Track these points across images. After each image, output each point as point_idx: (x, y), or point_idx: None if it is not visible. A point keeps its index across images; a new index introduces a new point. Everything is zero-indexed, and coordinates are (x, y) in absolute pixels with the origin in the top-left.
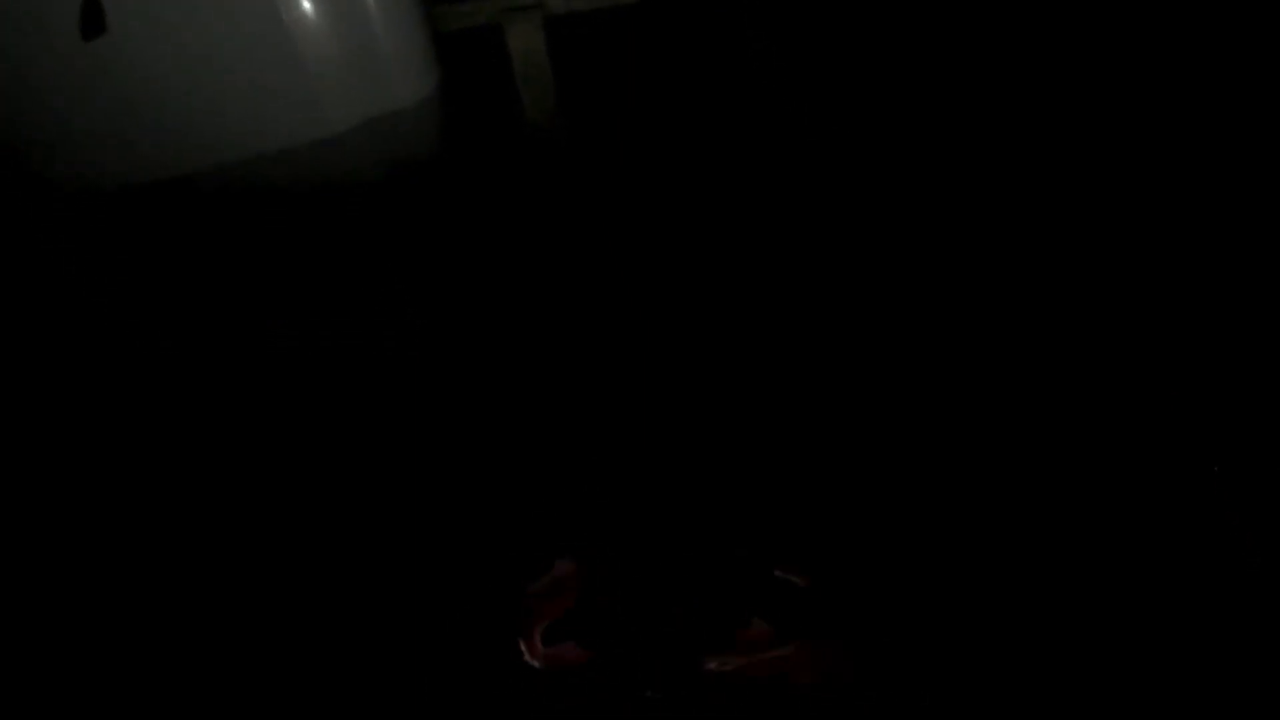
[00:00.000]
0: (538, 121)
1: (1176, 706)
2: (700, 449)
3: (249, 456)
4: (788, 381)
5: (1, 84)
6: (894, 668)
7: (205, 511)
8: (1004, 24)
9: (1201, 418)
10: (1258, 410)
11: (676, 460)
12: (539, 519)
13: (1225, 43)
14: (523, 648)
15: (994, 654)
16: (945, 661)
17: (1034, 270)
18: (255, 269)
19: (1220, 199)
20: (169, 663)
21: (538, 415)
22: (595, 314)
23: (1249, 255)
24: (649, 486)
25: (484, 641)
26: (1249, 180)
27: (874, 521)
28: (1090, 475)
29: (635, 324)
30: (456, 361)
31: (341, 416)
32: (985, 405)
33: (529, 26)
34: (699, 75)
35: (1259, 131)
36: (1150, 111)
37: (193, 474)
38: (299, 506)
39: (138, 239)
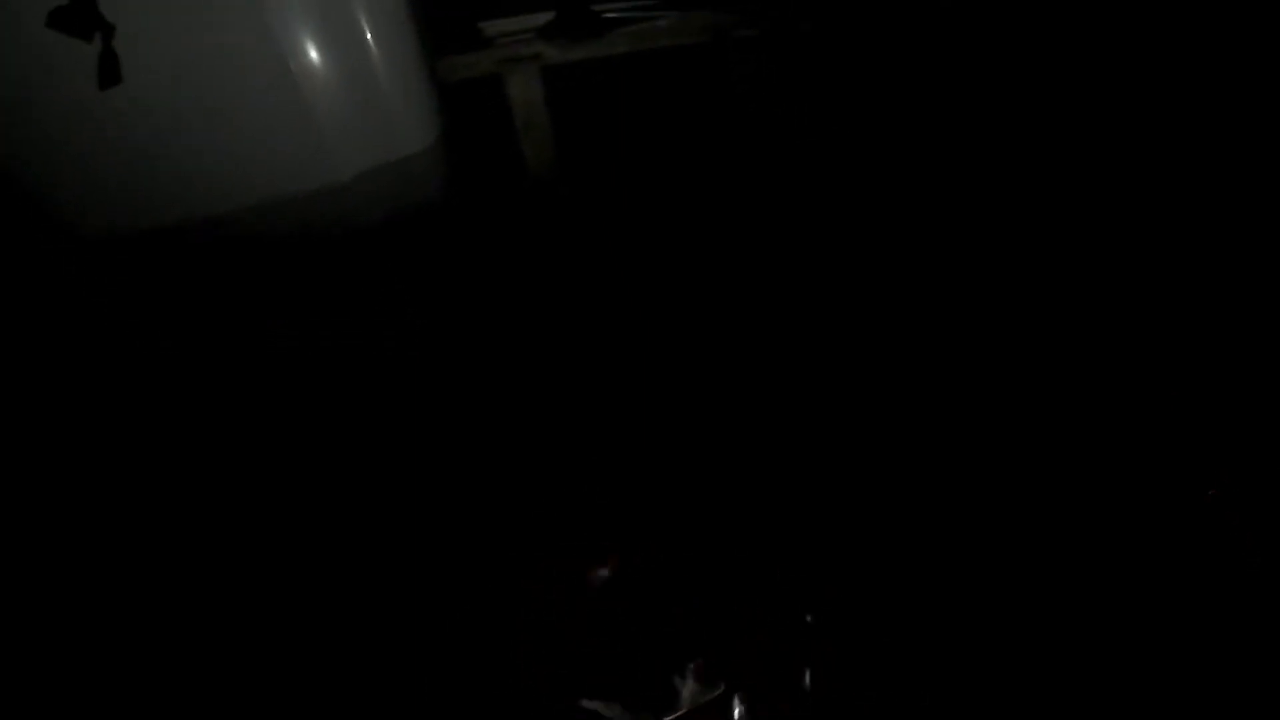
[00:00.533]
0: (538, 166)
1: (1177, 705)
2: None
3: (255, 455)
4: (768, 415)
5: (25, 136)
6: (894, 667)
7: (207, 509)
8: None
9: (1203, 421)
10: (1258, 414)
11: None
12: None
13: (1225, 43)
14: None
15: (996, 653)
16: (946, 661)
17: (1027, 288)
18: (268, 307)
19: (1220, 203)
20: (171, 660)
21: (531, 417)
22: (593, 341)
23: (1250, 260)
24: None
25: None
26: (1247, 186)
27: (877, 524)
28: (1092, 476)
29: (628, 344)
30: (455, 363)
31: (343, 415)
32: (989, 411)
33: (527, 76)
34: (685, 117)
35: (1257, 137)
36: (1132, 129)
37: (196, 472)
38: (302, 505)
39: (156, 277)
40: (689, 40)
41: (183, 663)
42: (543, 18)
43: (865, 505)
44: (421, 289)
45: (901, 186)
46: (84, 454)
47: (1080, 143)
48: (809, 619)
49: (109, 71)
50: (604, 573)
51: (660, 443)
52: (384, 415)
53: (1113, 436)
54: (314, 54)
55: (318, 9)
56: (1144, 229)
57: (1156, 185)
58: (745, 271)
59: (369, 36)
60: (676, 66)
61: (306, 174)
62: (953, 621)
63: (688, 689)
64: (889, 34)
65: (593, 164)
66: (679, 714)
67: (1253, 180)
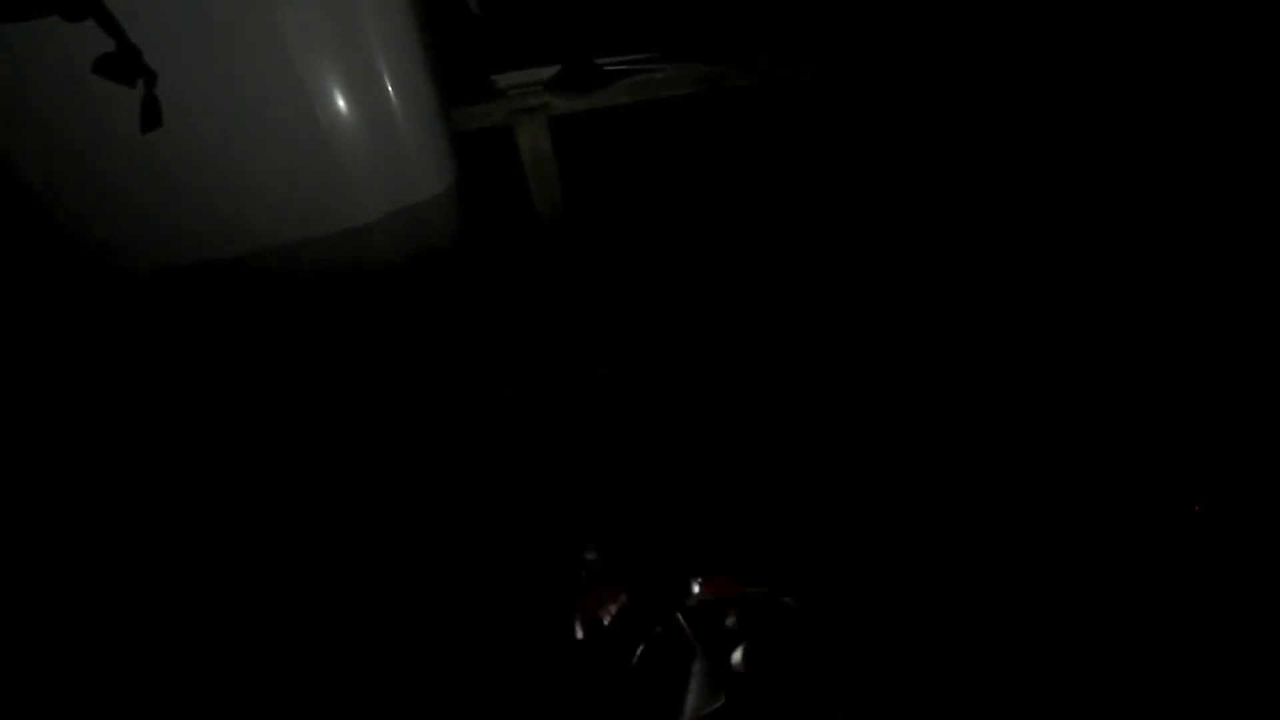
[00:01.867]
0: (546, 210)
1: (1181, 710)
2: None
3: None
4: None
5: (68, 172)
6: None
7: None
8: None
9: (1205, 426)
10: (1261, 422)
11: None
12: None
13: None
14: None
15: (999, 657)
16: (952, 662)
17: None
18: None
19: (1218, 207)
20: (172, 658)
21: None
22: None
23: (1251, 265)
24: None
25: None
26: (1246, 191)
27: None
28: (1095, 482)
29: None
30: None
31: (344, 418)
32: (991, 414)
33: (536, 126)
34: (687, 163)
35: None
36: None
37: (198, 476)
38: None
39: (184, 310)
40: (686, 90)
41: (181, 662)
42: (550, 71)
43: (855, 515)
44: (426, 300)
45: (895, 223)
46: (86, 456)
47: (1071, 190)
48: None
49: (151, 116)
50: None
51: (648, 462)
52: (384, 418)
53: (1118, 444)
54: (339, 104)
55: (342, 62)
56: (1143, 244)
57: (1152, 198)
58: (744, 304)
59: (389, 88)
60: (674, 114)
61: (330, 216)
62: (957, 624)
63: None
64: (878, 80)
65: (599, 208)
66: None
67: (1252, 188)
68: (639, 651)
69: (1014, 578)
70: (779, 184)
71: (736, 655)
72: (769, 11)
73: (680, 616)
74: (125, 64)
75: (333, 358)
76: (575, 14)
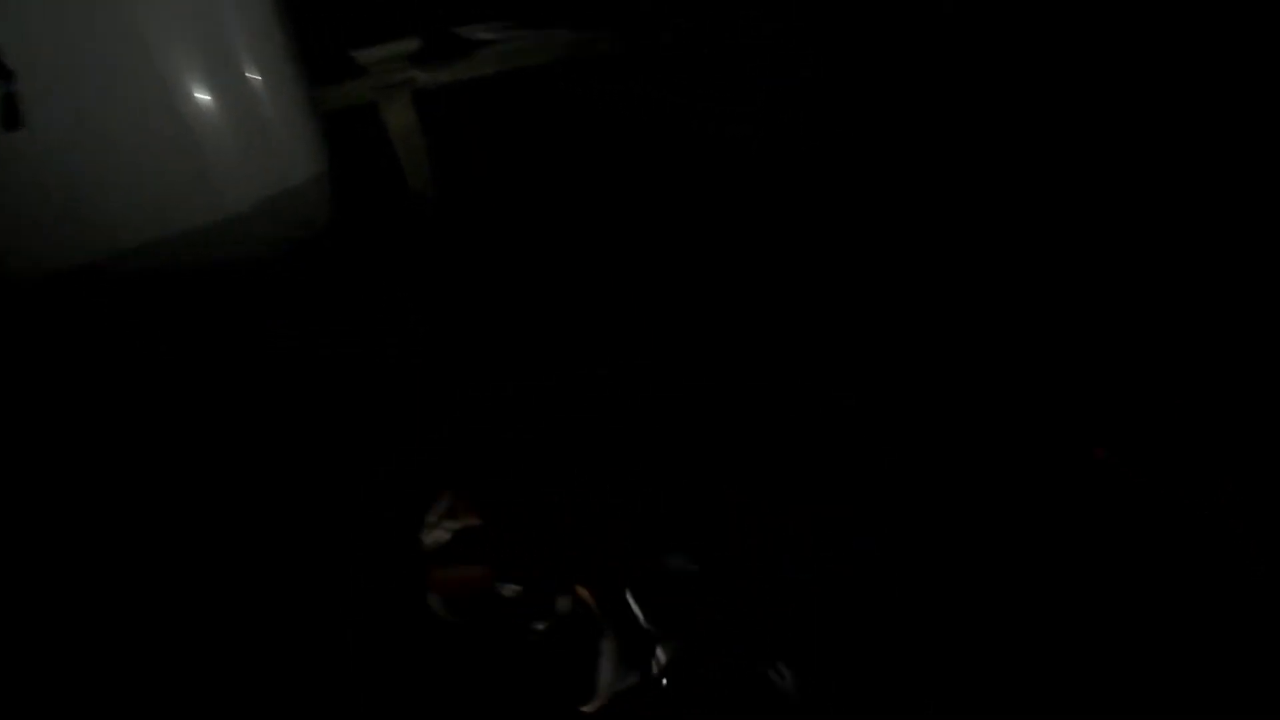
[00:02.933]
0: (418, 189)
1: (1181, 710)
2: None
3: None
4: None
5: None
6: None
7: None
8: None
9: (1204, 424)
10: (1260, 418)
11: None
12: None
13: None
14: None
15: (997, 660)
16: (949, 666)
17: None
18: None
19: (1219, 207)
20: (171, 658)
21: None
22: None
23: (1251, 262)
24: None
25: None
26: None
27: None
28: (1092, 481)
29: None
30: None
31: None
32: (987, 411)
33: (401, 102)
34: (555, 128)
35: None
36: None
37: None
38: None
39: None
40: (554, 57)
41: (180, 662)
42: (413, 43)
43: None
44: (426, 300)
45: (895, 223)
46: (93, 460)
47: (1071, 190)
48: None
49: (10, 115)
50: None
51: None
52: (384, 418)
53: (1116, 442)
54: (200, 95)
55: (201, 52)
56: (1143, 244)
57: (1152, 198)
58: (744, 304)
59: (252, 75)
60: (540, 83)
61: (198, 209)
62: (954, 628)
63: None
64: (877, 80)
65: (471, 182)
66: None
67: (1253, 188)
68: (540, 630)
69: (1014, 578)
70: (778, 184)
71: (644, 626)
72: (769, 11)
73: (583, 591)
74: None
75: (333, 358)
76: None
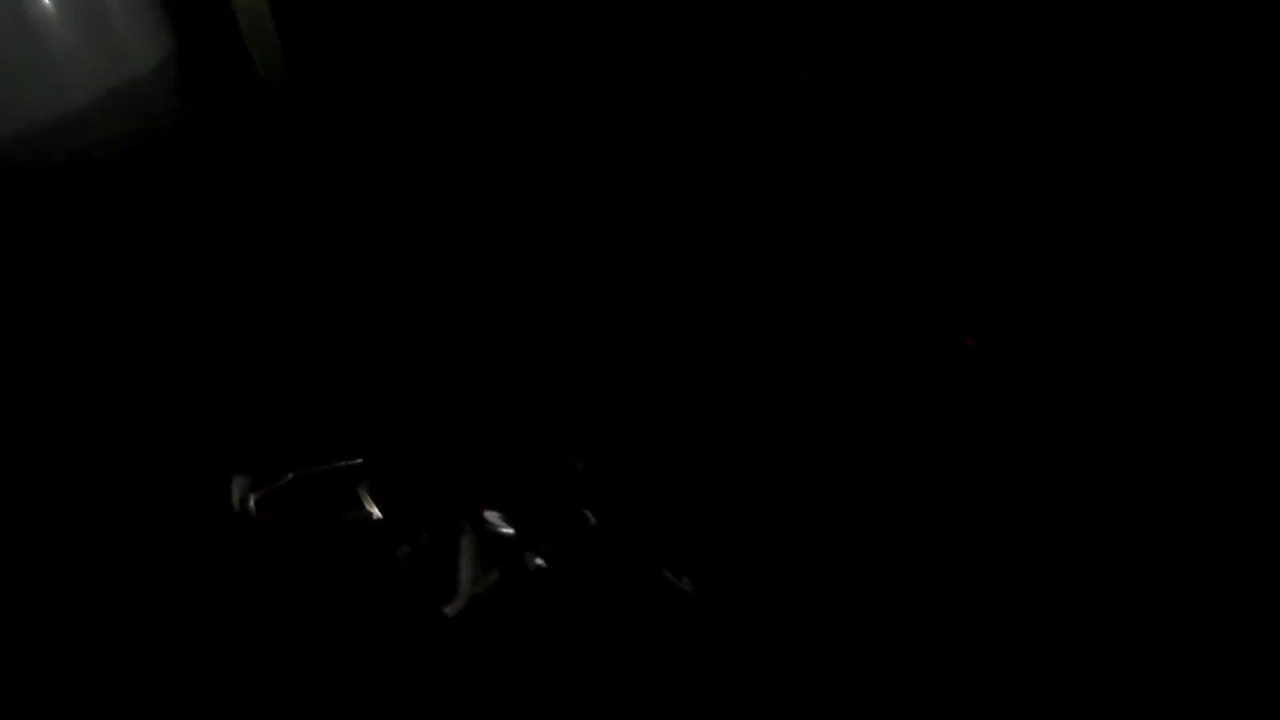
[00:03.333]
0: (269, 75)
1: (1181, 710)
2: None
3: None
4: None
5: None
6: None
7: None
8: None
9: (1204, 424)
10: (1260, 418)
11: None
12: None
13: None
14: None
15: (997, 660)
16: (949, 666)
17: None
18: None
19: (1219, 207)
20: (171, 658)
21: None
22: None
23: (1250, 261)
24: None
25: None
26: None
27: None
28: (1092, 480)
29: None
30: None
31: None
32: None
33: None
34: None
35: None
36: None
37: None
38: None
39: None
40: None
41: (180, 662)
42: None
43: (855, 515)
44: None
45: (895, 223)
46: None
47: (1071, 189)
48: None
49: None
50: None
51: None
52: (384, 418)
53: (1114, 441)
54: None
55: None
56: (1144, 244)
57: (1152, 197)
58: (744, 304)
59: None
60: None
61: (40, 103)
62: (951, 627)
63: None
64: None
65: (332, 68)
66: None
67: (1254, 188)
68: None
69: (1014, 578)
70: (778, 184)
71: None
72: (769, 11)
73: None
74: None
75: (333, 358)
76: None
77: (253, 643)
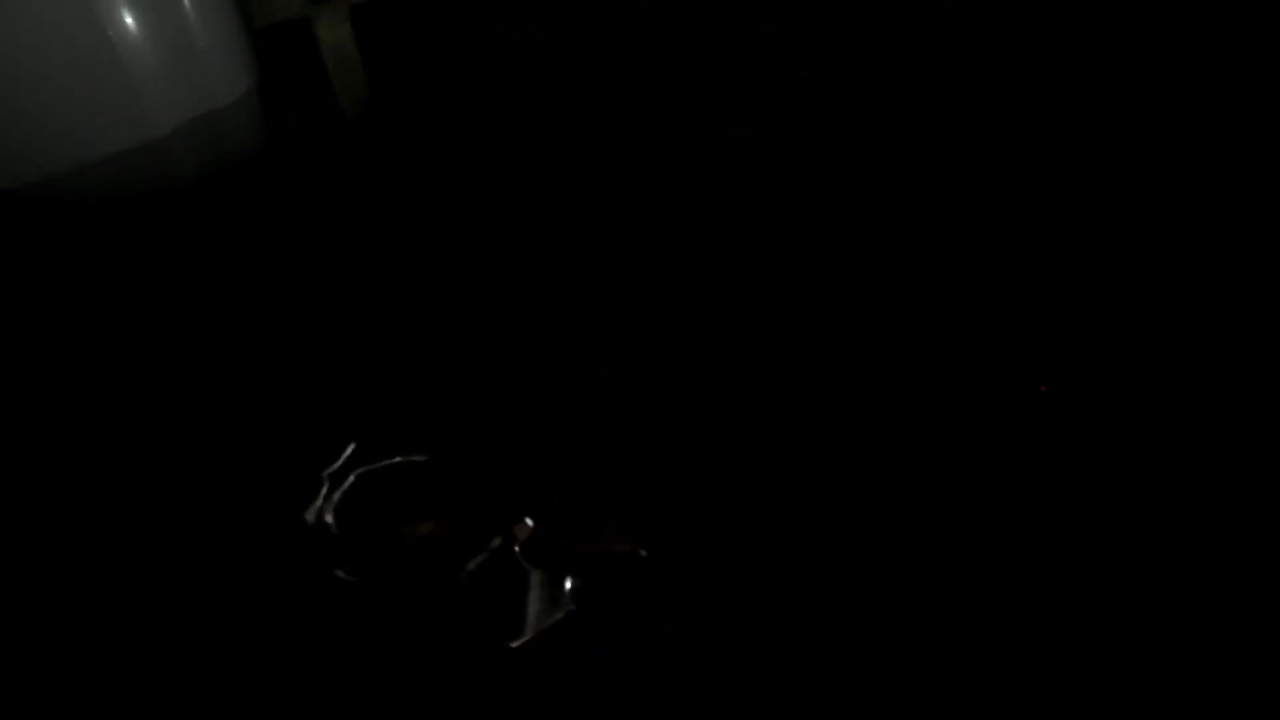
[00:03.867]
0: (352, 110)
1: (1181, 710)
2: None
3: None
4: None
5: None
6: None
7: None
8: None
9: (1204, 424)
10: (1260, 418)
11: None
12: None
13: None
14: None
15: (997, 660)
16: (949, 666)
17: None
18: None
19: (1219, 207)
20: (170, 658)
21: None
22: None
23: (1250, 262)
24: None
25: None
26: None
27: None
28: (1092, 480)
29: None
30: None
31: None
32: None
33: (335, 16)
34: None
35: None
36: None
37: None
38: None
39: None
40: None
41: (179, 661)
42: None
43: (855, 515)
44: (424, 296)
45: (895, 223)
46: (92, 460)
47: (1071, 189)
48: None
49: None
50: None
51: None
52: (384, 418)
53: (1114, 441)
54: (121, 5)
55: None
56: (1144, 244)
57: (1153, 197)
58: (744, 304)
59: None
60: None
61: (124, 133)
62: (951, 628)
63: None
64: (877, 80)
65: (408, 106)
66: None
67: (1254, 188)
68: (470, 564)
69: (1014, 578)
70: (778, 183)
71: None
72: (769, 11)
73: (515, 533)
74: None
75: (333, 358)
76: None
77: (252, 643)
